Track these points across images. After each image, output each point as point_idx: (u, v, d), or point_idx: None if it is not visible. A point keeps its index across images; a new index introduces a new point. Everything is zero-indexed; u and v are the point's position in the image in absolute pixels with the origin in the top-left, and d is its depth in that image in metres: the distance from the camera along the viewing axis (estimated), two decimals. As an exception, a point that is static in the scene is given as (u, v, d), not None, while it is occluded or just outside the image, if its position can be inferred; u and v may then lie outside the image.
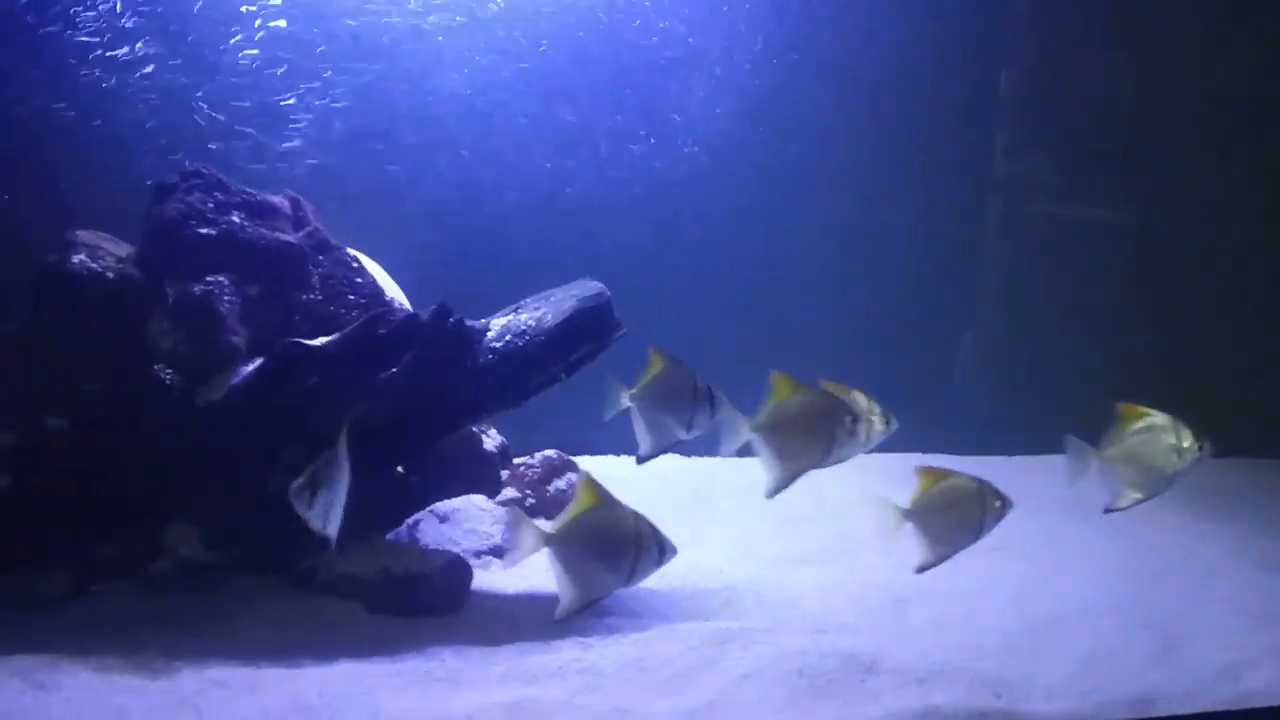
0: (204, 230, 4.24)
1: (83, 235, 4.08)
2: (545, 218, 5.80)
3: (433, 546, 4.41)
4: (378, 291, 4.51)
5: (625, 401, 3.64)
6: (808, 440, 3.56)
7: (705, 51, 5.93)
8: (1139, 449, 3.64)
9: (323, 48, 5.37)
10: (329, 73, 5.36)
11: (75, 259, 3.98)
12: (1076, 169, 6.76)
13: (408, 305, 4.56)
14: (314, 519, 3.17)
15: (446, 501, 4.64)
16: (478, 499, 4.73)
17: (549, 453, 5.28)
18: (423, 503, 4.57)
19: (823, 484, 5.84)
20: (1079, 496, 5.22)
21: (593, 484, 3.29)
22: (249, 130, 5.30)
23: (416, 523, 4.55)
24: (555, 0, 5.64)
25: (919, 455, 5.45)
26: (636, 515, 3.28)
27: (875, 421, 3.67)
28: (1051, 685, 3.67)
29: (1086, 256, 6.79)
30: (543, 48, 5.66)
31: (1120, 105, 6.66)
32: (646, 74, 5.87)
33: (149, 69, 5.13)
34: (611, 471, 5.61)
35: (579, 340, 4.22)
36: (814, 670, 3.61)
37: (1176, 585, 4.42)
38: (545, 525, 3.41)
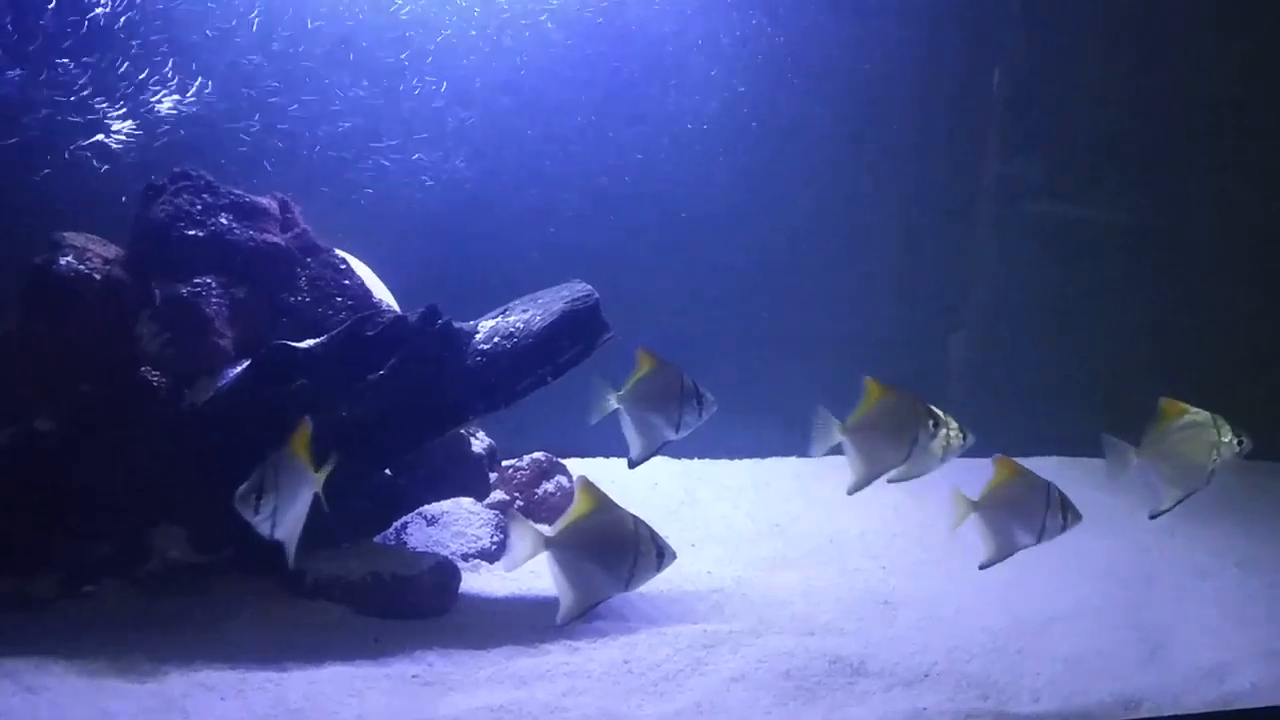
0: (192, 232, 4.24)
1: (71, 237, 4.08)
2: (533, 219, 5.79)
3: (421, 549, 4.41)
4: (365, 293, 4.51)
5: (611, 404, 3.64)
6: (892, 442, 3.67)
7: (694, 51, 5.93)
8: (1179, 446, 3.67)
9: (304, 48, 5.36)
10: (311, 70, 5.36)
11: (63, 260, 3.98)
12: (1068, 169, 6.78)
13: (396, 307, 4.56)
14: (261, 524, 3.14)
15: (435, 504, 4.64)
16: (466, 502, 4.72)
17: (537, 455, 5.27)
18: (411, 505, 4.57)
19: (810, 486, 5.91)
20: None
21: (591, 488, 3.29)
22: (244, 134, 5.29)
23: (404, 525, 4.55)
24: (542, 4, 5.63)
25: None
26: (636, 519, 3.29)
27: (954, 433, 3.75)
28: (1038, 687, 3.69)
29: (1077, 256, 6.81)
30: (523, 56, 5.66)
31: (1112, 105, 6.67)
32: (636, 75, 5.87)
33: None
34: (601, 474, 5.60)
35: (567, 342, 4.23)
36: (801, 672, 3.63)
37: (1162, 587, 4.44)
38: (545, 529, 3.41)
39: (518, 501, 5.08)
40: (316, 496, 3.30)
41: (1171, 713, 3.59)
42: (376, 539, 4.46)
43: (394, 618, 3.92)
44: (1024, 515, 3.55)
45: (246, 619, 3.83)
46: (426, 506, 4.60)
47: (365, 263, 4.71)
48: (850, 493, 3.71)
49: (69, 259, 3.99)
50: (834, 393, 6.15)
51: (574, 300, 4.30)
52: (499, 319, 4.31)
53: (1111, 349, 6.74)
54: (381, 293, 4.64)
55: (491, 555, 4.51)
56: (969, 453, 3.77)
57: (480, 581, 4.31)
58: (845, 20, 6.23)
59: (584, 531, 3.22)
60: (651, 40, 5.84)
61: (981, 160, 6.72)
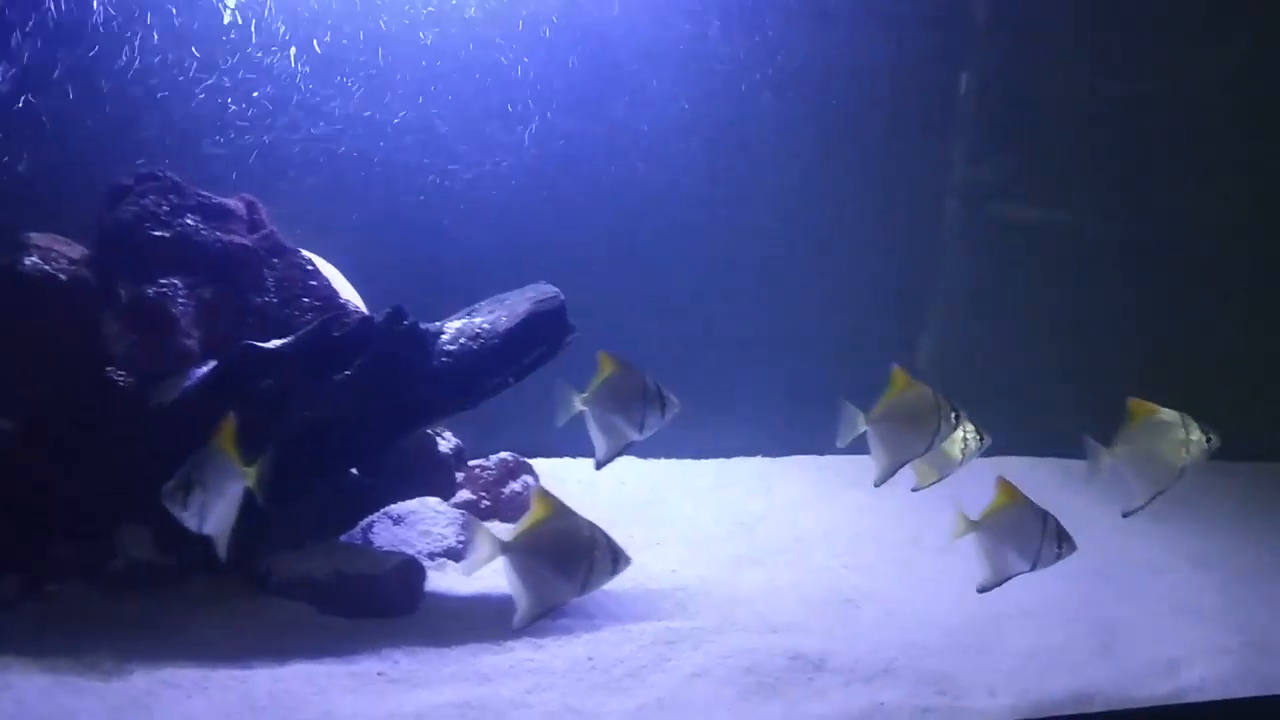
0: (158, 232, 4.25)
1: (36, 237, 4.08)
2: (499, 221, 5.81)
3: (387, 548, 4.43)
4: (332, 294, 4.53)
5: (576, 406, 3.67)
6: (914, 432, 3.69)
7: (660, 54, 5.96)
8: (1149, 445, 3.73)
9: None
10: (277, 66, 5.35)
11: (28, 260, 3.97)
12: (1035, 171, 6.84)
13: (362, 308, 4.58)
14: (189, 519, 3.16)
15: (401, 503, 4.65)
16: (432, 501, 4.75)
17: (504, 455, 5.31)
18: (377, 505, 4.59)
19: (774, 485, 5.97)
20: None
21: (547, 495, 3.33)
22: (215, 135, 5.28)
23: (371, 524, 4.57)
24: (513, 5, 5.65)
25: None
26: (592, 525, 3.32)
27: (972, 434, 3.82)
28: (994, 682, 3.76)
29: (1044, 258, 6.88)
30: (490, 59, 5.67)
31: (1079, 109, 6.74)
32: (601, 78, 5.89)
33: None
34: (567, 473, 5.69)
35: (533, 343, 4.27)
36: (763, 668, 3.68)
37: (1115, 583, 4.52)
38: (503, 529, 3.43)
39: (484, 501, 5.11)
40: (250, 493, 3.31)
41: (1123, 707, 3.68)
42: (342, 538, 4.48)
43: (360, 616, 3.94)
44: (1020, 541, 3.58)
45: (211, 618, 3.84)
46: (392, 506, 4.62)
47: (331, 264, 4.73)
48: (877, 484, 3.74)
49: (34, 259, 3.98)
50: (801, 394, 6.29)
51: (540, 302, 4.34)
52: (465, 320, 4.34)
53: (1079, 350, 6.82)
54: (348, 294, 4.66)
55: (457, 554, 4.53)
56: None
57: (446, 580, 4.34)
58: (812, 24, 6.26)
59: (540, 537, 3.25)
60: (616, 43, 5.86)
61: (948, 162, 6.77)
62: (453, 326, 4.31)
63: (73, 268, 4.03)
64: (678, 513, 5.50)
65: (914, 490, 3.90)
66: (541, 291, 4.40)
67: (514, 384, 4.23)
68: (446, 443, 5.08)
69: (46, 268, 3.97)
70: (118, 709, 3.21)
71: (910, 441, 3.71)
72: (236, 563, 4.06)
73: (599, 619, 4.04)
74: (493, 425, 5.10)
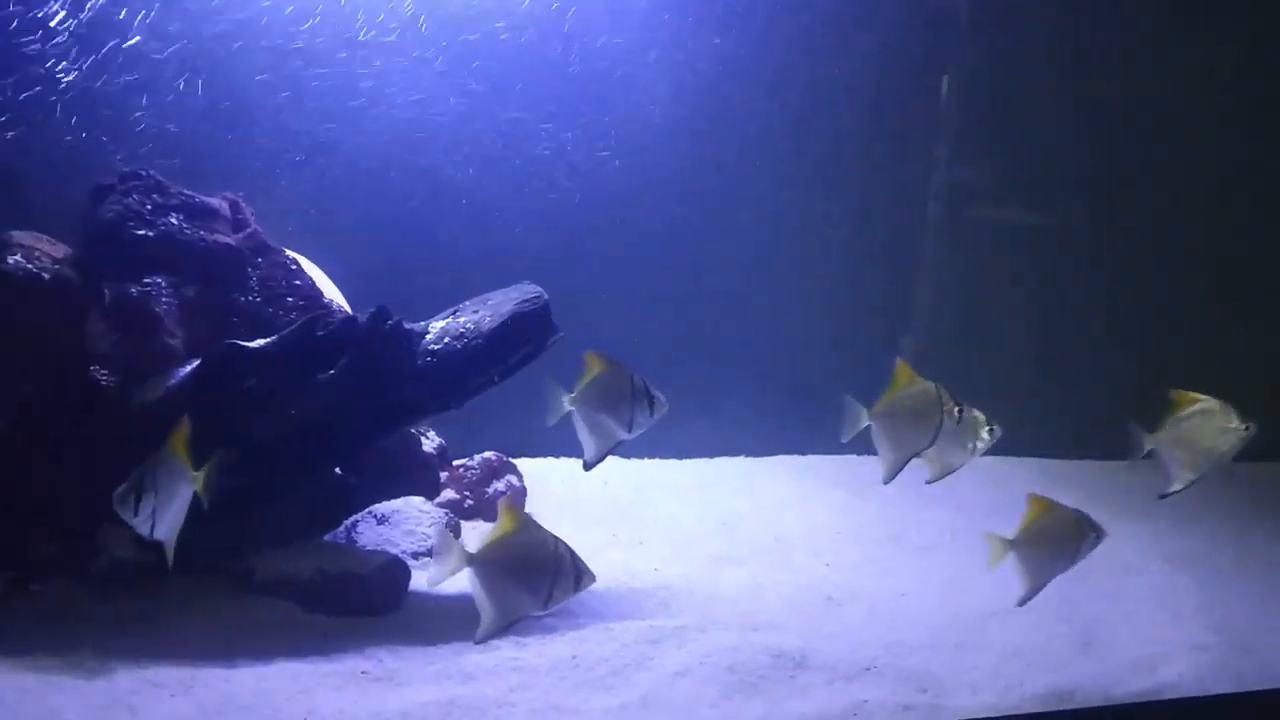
0: (142, 231, 4.25)
1: (19, 236, 4.07)
2: (483, 221, 5.82)
3: (371, 547, 4.44)
4: (316, 294, 4.53)
5: (565, 406, 3.68)
6: (917, 428, 3.73)
7: (642, 58, 5.97)
8: (1191, 431, 3.83)
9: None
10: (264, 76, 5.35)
11: (11, 260, 3.97)
12: (1016, 175, 6.89)
13: (346, 307, 4.59)
14: (140, 525, 3.16)
15: (385, 503, 4.66)
16: (416, 500, 4.75)
17: (488, 454, 5.32)
18: (361, 504, 4.59)
19: (757, 485, 6.00)
20: (1006, 499, 5.37)
21: (514, 509, 3.34)
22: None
23: (355, 524, 4.57)
24: (492, 6, 5.66)
25: (855, 457, 5.55)
26: (556, 540, 3.33)
27: (983, 427, 3.86)
28: (975, 679, 3.79)
29: (1024, 261, 6.93)
30: (473, 60, 5.68)
31: (1060, 112, 6.79)
32: (583, 78, 5.91)
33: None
34: (551, 473, 5.71)
35: (517, 343, 4.27)
36: (745, 667, 3.70)
37: (1095, 583, 4.55)
38: (486, 528, 3.43)
39: (467, 500, 5.12)
40: (197, 495, 3.31)
41: (1103, 703, 3.71)
42: (327, 537, 4.48)
43: (344, 615, 3.94)
44: (1057, 549, 3.66)
45: (195, 617, 3.84)
46: (377, 505, 4.63)
47: (316, 264, 4.73)
48: (886, 480, 3.79)
49: (17, 258, 3.98)
50: (784, 394, 6.32)
51: (524, 301, 4.35)
52: (449, 320, 4.35)
53: (1061, 352, 6.87)
54: (332, 293, 4.67)
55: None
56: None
57: (430, 579, 4.34)
58: (794, 27, 6.29)
59: (506, 550, 3.26)
60: (599, 45, 5.88)
61: (930, 166, 6.81)
62: (437, 326, 4.31)
63: (56, 267, 4.03)
64: (661, 512, 5.52)
65: (928, 483, 3.92)
66: (525, 291, 4.41)
67: (498, 384, 4.23)
68: (430, 442, 5.09)
69: (30, 266, 3.97)
70: (102, 708, 3.21)
71: (914, 437, 3.75)
72: (220, 563, 4.09)
73: (582, 617, 4.05)
74: (477, 425, 5.11)
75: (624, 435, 3.73)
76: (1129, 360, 6.77)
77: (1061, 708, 3.67)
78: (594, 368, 3.67)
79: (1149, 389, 4.02)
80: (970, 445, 3.86)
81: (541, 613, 3.34)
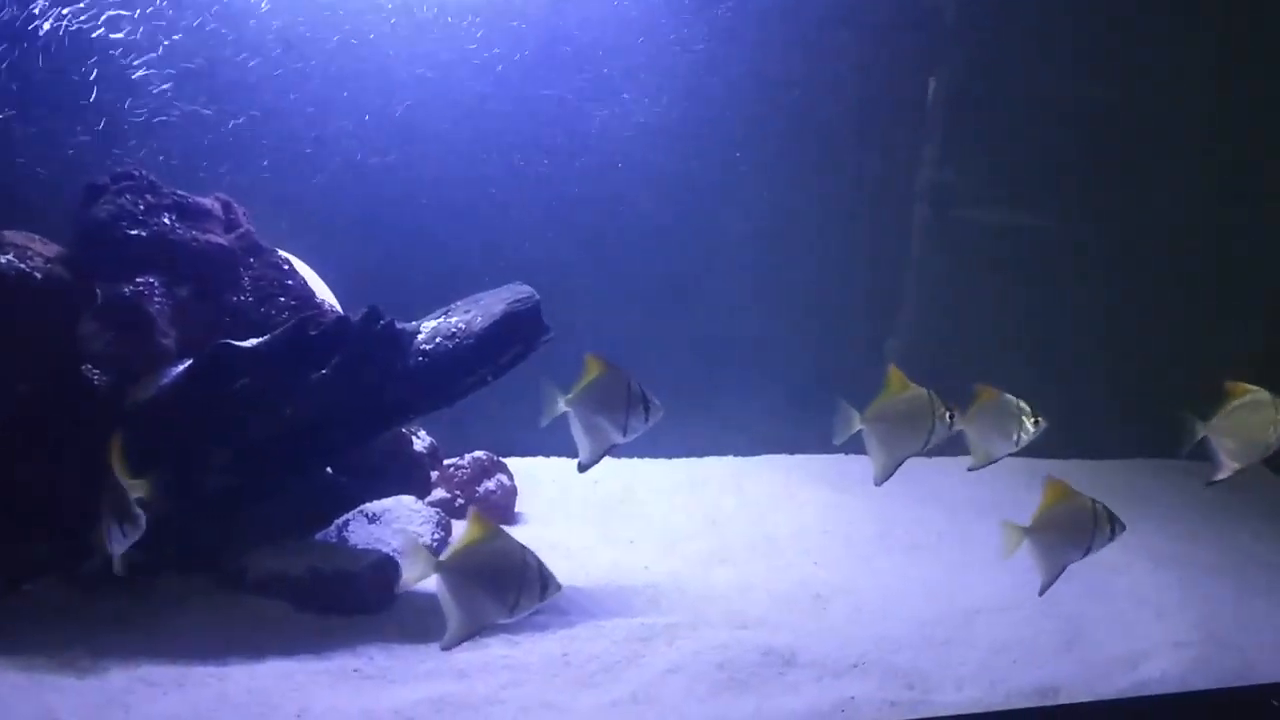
0: (134, 231, 4.26)
1: (11, 235, 4.07)
2: (475, 221, 5.83)
3: (362, 546, 4.46)
4: (308, 294, 4.55)
5: (561, 407, 3.69)
6: (909, 432, 3.76)
7: (632, 59, 6.00)
8: (1242, 421, 3.91)
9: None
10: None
11: (3, 259, 3.96)
12: (1002, 177, 6.92)
13: (338, 307, 4.61)
14: (114, 548, 3.31)
15: (376, 501, 4.67)
16: (407, 499, 4.77)
17: (478, 454, 5.33)
18: (353, 503, 4.60)
19: (746, 484, 6.03)
20: (993, 498, 5.44)
21: (481, 518, 3.36)
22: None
23: (346, 523, 4.58)
24: (483, 5, 5.68)
25: (843, 456, 5.58)
26: (524, 549, 3.35)
27: (1029, 418, 3.91)
28: (962, 676, 3.84)
29: (1010, 263, 6.96)
30: (465, 60, 5.70)
31: (1047, 113, 6.82)
32: (574, 79, 5.93)
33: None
34: (542, 472, 5.74)
35: (508, 343, 4.29)
36: (735, 664, 3.73)
37: (1079, 580, 4.58)
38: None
39: (458, 499, 5.14)
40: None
41: (1087, 699, 3.76)
42: (318, 536, 4.50)
43: (336, 613, 3.96)
44: (1074, 535, 3.67)
45: (188, 616, 3.86)
46: (368, 504, 4.64)
47: (308, 264, 4.75)
48: (877, 483, 3.80)
49: (9, 257, 3.97)
50: (772, 394, 6.35)
51: (515, 302, 4.37)
52: (441, 320, 4.37)
53: (1046, 353, 6.91)
54: (324, 293, 4.68)
55: (433, 552, 4.55)
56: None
57: (421, 578, 4.36)
58: (781, 29, 6.32)
59: (473, 557, 3.29)
60: (591, 46, 5.90)
61: (916, 167, 6.84)
62: (428, 326, 4.33)
63: (49, 266, 4.03)
64: (651, 511, 5.55)
65: (970, 470, 3.95)
66: (517, 292, 4.43)
67: (490, 383, 4.25)
68: (421, 441, 5.11)
69: (22, 266, 3.97)
70: (95, 707, 3.23)
71: (906, 441, 3.78)
72: (212, 562, 4.11)
73: (573, 615, 4.08)
74: (468, 424, 5.13)
75: (619, 439, 3.74)
76: (1115, 360, 6.82)
77: (1046, 703, 3.72)
78: (592, 370, 3.68)
79: (1196, 380, 4.07)
80: (1015, 435, 3.88)
81: (508, 620, 3.36)
